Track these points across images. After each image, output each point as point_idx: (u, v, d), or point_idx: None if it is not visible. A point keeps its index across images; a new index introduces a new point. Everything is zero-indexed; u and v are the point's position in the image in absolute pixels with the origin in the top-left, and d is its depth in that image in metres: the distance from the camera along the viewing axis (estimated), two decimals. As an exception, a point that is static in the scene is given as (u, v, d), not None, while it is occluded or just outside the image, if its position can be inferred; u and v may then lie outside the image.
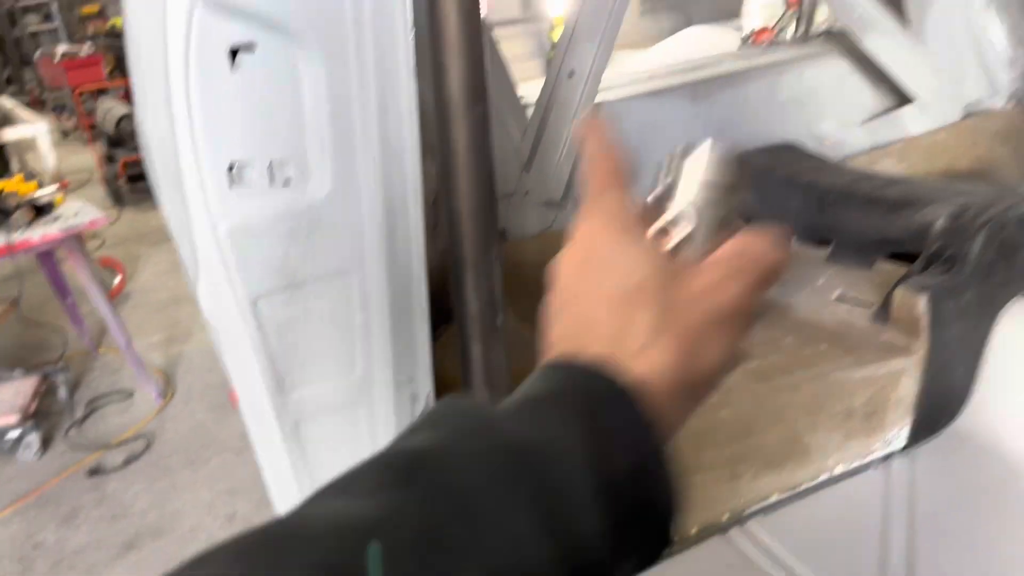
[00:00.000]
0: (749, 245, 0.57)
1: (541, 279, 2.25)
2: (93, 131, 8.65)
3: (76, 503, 3.57)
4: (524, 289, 2.29)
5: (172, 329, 5.14)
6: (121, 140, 7.65)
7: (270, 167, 1.05)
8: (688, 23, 5.89)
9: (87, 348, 4.96)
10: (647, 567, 0.46)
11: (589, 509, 0.42)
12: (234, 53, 1.01)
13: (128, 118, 7.43)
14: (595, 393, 0.47)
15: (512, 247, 2.38)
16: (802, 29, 3.56)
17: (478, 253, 1.18)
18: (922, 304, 1.70)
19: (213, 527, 3.30)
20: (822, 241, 2.16)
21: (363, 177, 1.08)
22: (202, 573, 0.37)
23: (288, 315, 1.12)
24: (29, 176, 4.15)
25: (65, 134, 11.17)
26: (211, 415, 4.13)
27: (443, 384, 1.57)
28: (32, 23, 14.77)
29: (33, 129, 5.47)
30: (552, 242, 2.39)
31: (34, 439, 3.90)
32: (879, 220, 2.02)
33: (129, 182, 7.67)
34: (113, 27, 11.64)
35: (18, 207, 3.68)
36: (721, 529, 1.60)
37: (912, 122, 3.03)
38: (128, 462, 3.81)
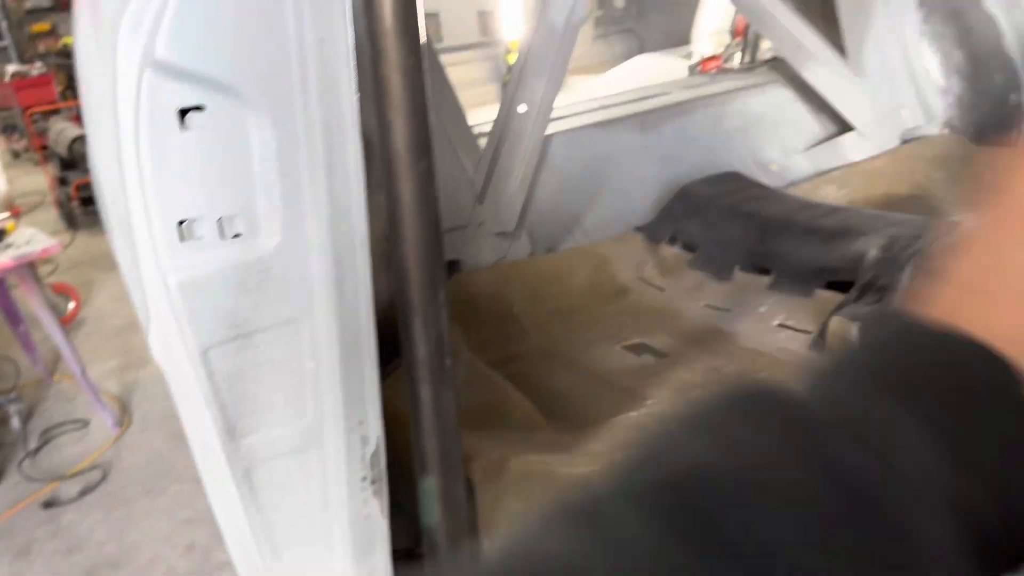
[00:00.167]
0: None
1: (496, 309, 2.32)
2: (45, 152, 8.51)
3: (30, 536, 3.51)
4: (479, 319, 2.35)
5: (128, 356, 5.07)
6: (74, 162, 7.53)
7: (220, 222, 1.08)
8: (641, 48, 6.03)
9: (40, 376, 4.87)
10: None
11: None
12: (184, 113, 1.04)
13: (81, 140, 7.33)
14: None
15: (467, 278, 2.42)
16: (747, 58, 3.68)
17: (425, 299, 1.22)
18: (855, 333, 1.78)
19: (172, 557, 3.26)
20: (764, 269, 2.25)
21: (311, 230, 1.12)
22: None
23: (239, 364, 1.14)
24: (-22, 203, 4.08)
25: (16, 155, 10.95)
26: (169, 443, 4.08)
27: (395, 421, 1.61)
28: (-20, 41, 14.48)
29: (-18, 153, 5.37)
30: (506, 272, 2.45)
31: (-15, 472, 3.82)
32: (817, 250, 2.11)
33: (82, 205, 7.54)
34: (65, 46, 11.47)
35: (-33, 237, 3.63)
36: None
37: (852, 149, 3.16)
38: (84, 493, 3.75)
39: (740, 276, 2.30)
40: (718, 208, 2.53)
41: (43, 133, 8.55)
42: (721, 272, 2.36)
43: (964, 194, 2.18)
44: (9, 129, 11.41)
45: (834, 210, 2.29)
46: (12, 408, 4.18)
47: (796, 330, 1.99)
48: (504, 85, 6.57)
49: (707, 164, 2.94)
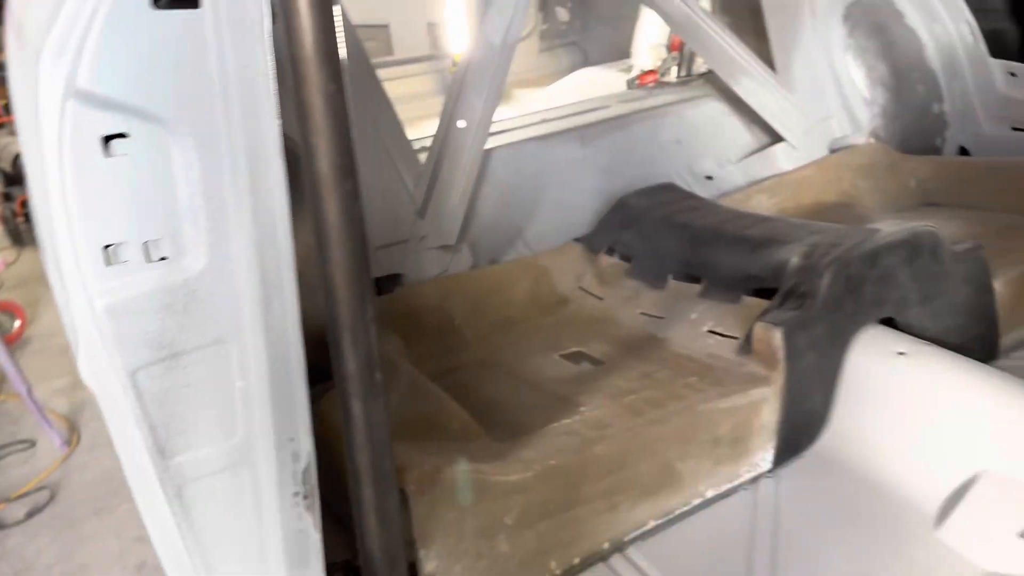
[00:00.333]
0: None
1: (438, 322, 2.37)
2: (-13, 168, 8.29)
3: (-29, 564, 3.42)
4: (421, 332, 2.38)
5: (76, 374, 4.96)
6: (19, 177, 7.36)
7: (145, 246, 1.11)
8: (585, 61, 6.13)
9: (-18, 398, 4.75)
10: None
11: None
12: (108, 139, 1.07)
13: (22, 157, 7.16)
14: None
15: (409, 291, 2.46)
16: (683, 72, 3.79)
17: (354, 315, 1.25)
18: (778, 337, 1.86)
19: (121, 578, 3.22)
20: (696, 278, 2.33)
21: (237, 252, 1.14)
22: None
23: (168, 385, 1.16)
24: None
25: (-46, 172, 10.63)
26: (118, 462, 4.01)
27: (332, 436, 1.63)
28: (-86, 56, 14.03)
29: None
30: (448, 285, 2.50)
31: (-76, 499, 3.71)
32: (744, 258, 2.20)
33: (28, 221, 7.38)
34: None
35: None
36: (603, 557, 1.71)
37: (783, 159, 3.27)
38: (31, 515, 3.66)
39: (674, 284, 2.38)
40: (653, 219, 2.61)
41: (-15, 149, 8.33)
42: (656, 281, 2.43)
43: (889, 200, 2.29)
44: (-54, 146, 11.08)
45: (761, 220, 2.38)
46: (-48, 432, 4.08)
47: (724, 336, 2.07)
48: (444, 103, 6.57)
49: (645, 176, 3.02)
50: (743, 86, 3.23)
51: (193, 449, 1.20)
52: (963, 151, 3.48)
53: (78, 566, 3.36)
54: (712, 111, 3.36)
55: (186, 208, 1.11)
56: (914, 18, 3.46)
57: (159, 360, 1.14)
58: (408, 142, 2.55)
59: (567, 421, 1.78)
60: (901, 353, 1.92)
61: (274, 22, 1.10)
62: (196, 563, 1.26)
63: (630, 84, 3.85)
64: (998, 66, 3.33)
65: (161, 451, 1.18)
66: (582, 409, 1.87)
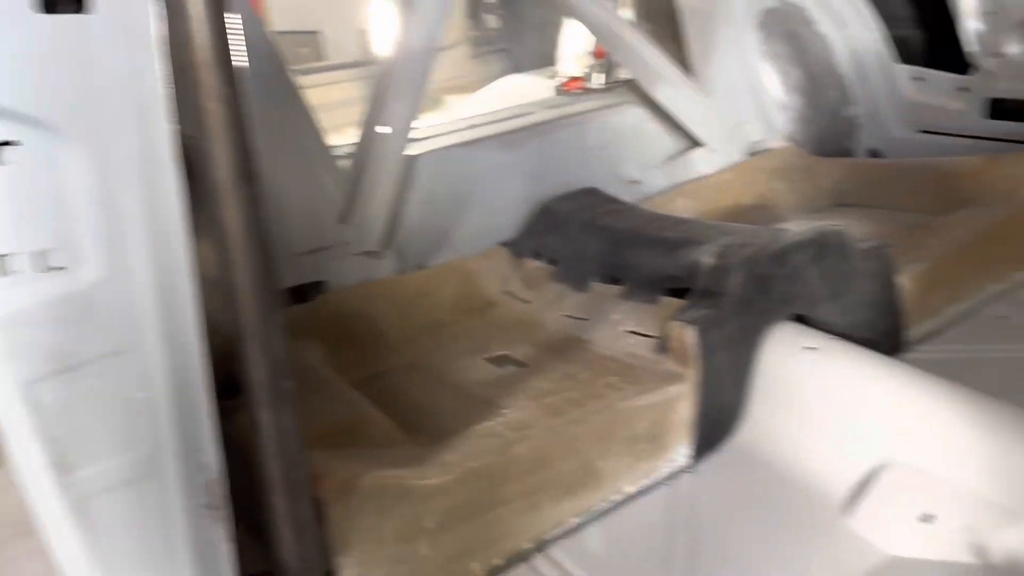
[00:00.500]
0: None
1: (362, 328, 2.36)
2: None
3: None
4: (346, 339, 2.37)
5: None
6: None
7: (38, 256, 1.08)
8: (516, 68, 6.17)
9: None
10: None
11: None
12: (-4, 147, 1.04)
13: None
14: None
15: (333, 298, 2.44)
16: (608, 79, 3.85)
17: (260, 323, 1.24)
18: (691, 335, 1.91)
19: (40, 606, 3.10)
20: (617, 280, 2.37)
21: (135, 261, 1.12)
22: None
23: (66, 397, 1.13)
24: None
25: None
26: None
27: (242, 446, 1.61)
28: None
29: None
30: (373, 291, 2.49)
31: None
32: (662, 259, 2.25)
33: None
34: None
35: None
36: (525, 557, 1.72)
37: (702, 163, 3.36)
38: (-57, 544, 3.50)
39: (596, 287, 2.42)
40: (577, 223, 2.65)
41: None
42: (580, 284, 2.47)
43: (804, 202, 2.38)
44: None
45: (678, 222, 2.45)
46: None
47: (644, 335, 2.11)
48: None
49: (570, 181, 3.06)
50: (663, 93, 3.30)
51: (96, 463, 1.18)
52: (874, 153, 3.63)
53: (0, 590, 3.23)
54: (635, 117, 3.42)
55: (80, 217, 1.09)
56: (825, 25, 3.60)
57: (56, 372, 1.11)
58: (328, 148, 2.54)
59: (489, 423, 1.80)
60: (811, 348, 1.99)
61: (166, 27, 1.08)
62: (102, 579, 1.23)
63: (557, 90, 3.90)
64: (904, 71, 3.48)
65: (62, 465, 1.15)
66: (504, 411, 1.88)
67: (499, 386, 2.06)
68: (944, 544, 1.57)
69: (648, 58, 3.24)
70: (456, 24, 6.32)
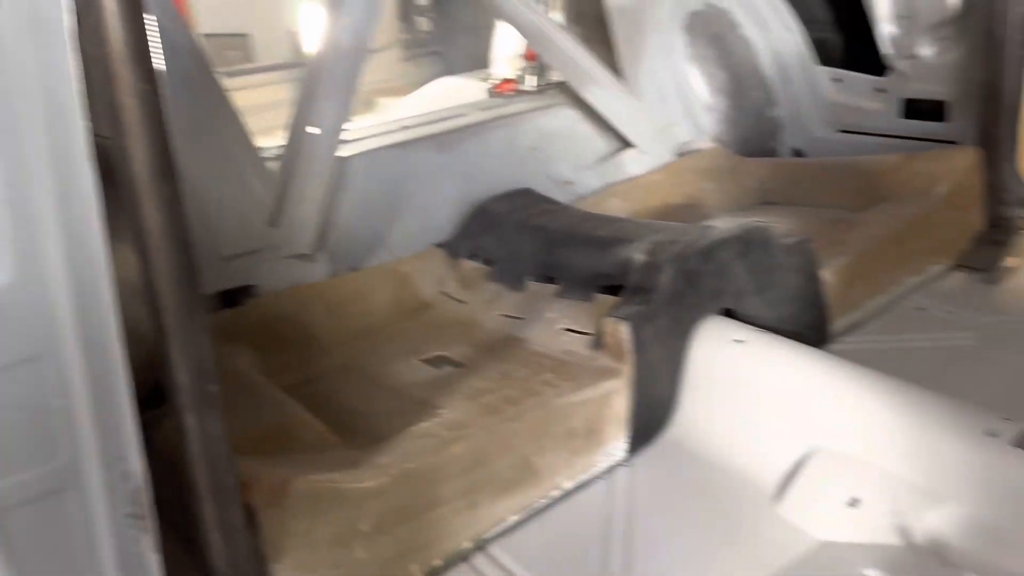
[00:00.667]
0: None
1: (294, 332, 2.31)
2: None
3: None
4: (277, 343, 2.32)
5: None
6: None
7: (-57, 259, 1.03)
8: (448, 70, 6.16)
9: None
10: None
11: None
12: None
13: None
14: None
15: (263, 302, 2.39)
16: (540, 81, 3.88)
17: (182, 325, 1.20)
18: (624, 331, 1.93)
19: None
20: (552, 278, 2.39)
21: (49, 263, 1.07)
22: None
23: (-25, 407, 1.08)
24: None
25: None
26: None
27: (171, 455, 1.56)
28: None
29: None
30: (305, 294, 2.44)
31: None
32: (595, 258, 2.27)
33: None
34: None
35: None
36: (464, 557, 1.72)
37: (633, 164, 3.41)
38: None
39: (532, 286, 2.43)
40: (511, 223, 2.65)
41: None
42: (516, 283, 2.47)
43: (731, 201, 2.44)
44: None
45: (610, 221, 2.48)
46: None
47: (579, 332, 2.13)
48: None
49: (504, 182, 3.07)
50: (593, 94, 3.34)
51: (10, 475, 1.12)
52: (797, 153, 3.75)
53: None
54: (567, 118, 3.46)
55: (-12, 217, 1.04)
56: (749, 28, 3.70)
57: (-36, 381, 1.06)
58: (256, 150, 2.49)
59: (425, 424, 1.78)
60: (739, 341, 2.04)
61: (79, 20, 1.05)
62: (20, 598, 1.17)
63: (490, 92, 3.91)
64: (824, 73, 3.60)
65: (-29, 479, 1.09)
66: (440, 411, 1.87)
67: (435, 387, 2.05)
68: (871, 527, 1.63)
69: (579, 61, 3.27)
70: (387, 27, 6.28)
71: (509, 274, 2.51)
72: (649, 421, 2.02)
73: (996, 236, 2.87)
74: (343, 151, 2.74)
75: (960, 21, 3.02)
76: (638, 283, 2.06)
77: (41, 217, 1.06)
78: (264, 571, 1.44)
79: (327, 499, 1.50)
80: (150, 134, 1.10)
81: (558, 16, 3.70)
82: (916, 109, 3.27)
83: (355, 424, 1.89)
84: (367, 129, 3.20)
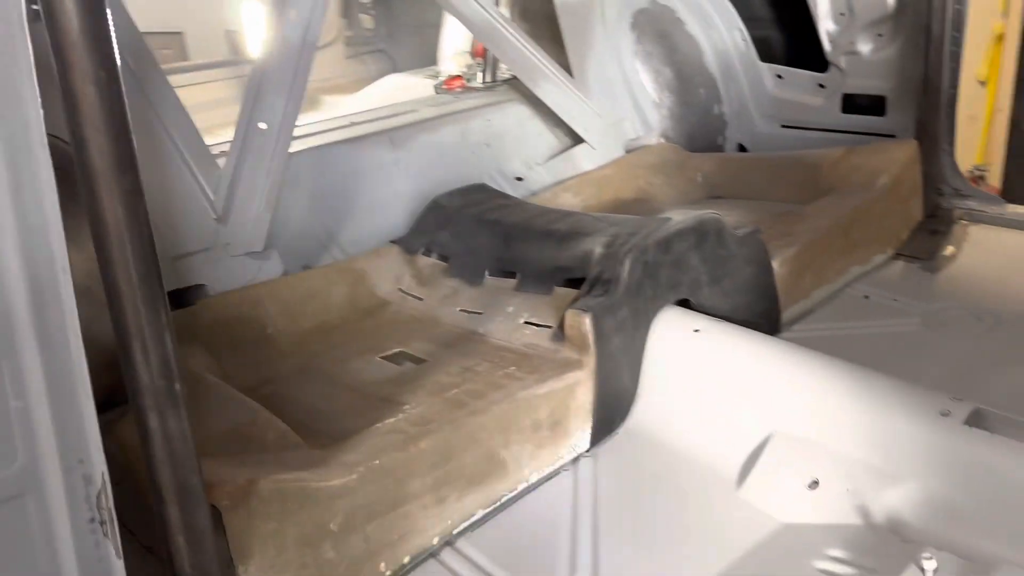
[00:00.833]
0: None
1: (249, 332, 2.25)
2: None
3: None
4: (231, 344, 2.26)
5: None
6: None
7: None
8: (394, 68, 6.11)
9: None
10: None
11: None
12: None
13: None
14: None
15: (214, 302, 2.32)
16: (488, 77, 3.88)
17: (144, 322, 1.16)
18: (587, 322, 1.94)
19: None
20: (511, 272, 2.38)
21: (3, 258, 1.03)
22: None
23: (-75, 411, 1.02)
24: None
25: None
26: None
27: (127, 460, 1.51)
28: None
29: None
30: (259, 293, 2.39)
31: None
32: (553, 251, 2.28)
33: None
34: None
35: None
36: (433, 553, 1.70)
37: (584, 159, 3.43)
38: None
39: (490, 280, 2.42)
40: (467, 218, 2.64)
41: None
42: (473, 278, 2.46)
43: (680, 195, 2.48)
44: None
45: (566, 215, 2.49)
46: None
47: (539, 325, 2.13)
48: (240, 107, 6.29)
49: (456, 178, 3.06)
50: (543, 90, 3.35)
51: (-35, 481, 1.07)
52: (741, 148, 3.83)
53: None
54: (517, 115, 3.46)
55: (-64, 210, 0.98)
56: (693, 26, 3.77)
57: (-89, 384, 1.00)
58: (205, 146, 2.42)
59: (390, 421, 1.76)
60: (696, 330, 2.07)
61: (34, 4, 1.00)
62: (-24, 610, 1.12)
63: (437, 89, 3.89)
64: (767, 69, 3.69)
65: (-80, 487, 1.03)
66: (405, 407, 1.85)
67: (398, 383, 2.02)
68: (831, 508, 1.67)
69: (529, 56, 3.28)
70: (331, 24, 6.19)
71: (466, 269, 2.50)
72: (611, 412, 2.03)
73: (934, 226, 2.99)
74: (293, 147, 2.69)
75: (897, 18, 3.13)
76: (598, 275, 2.07)
77: (-6, 209, 1.01)
78: (231, 574, 1.40)
79: (295, 499, 1.46)
80: (109, 123, 1.05)
81: (504, 13, 3.71)
82: (855, 104, 3.38)
83: (317, 424, 1.86)
84: (317, 125, 3.15)
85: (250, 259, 2.46)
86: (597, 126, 3.48)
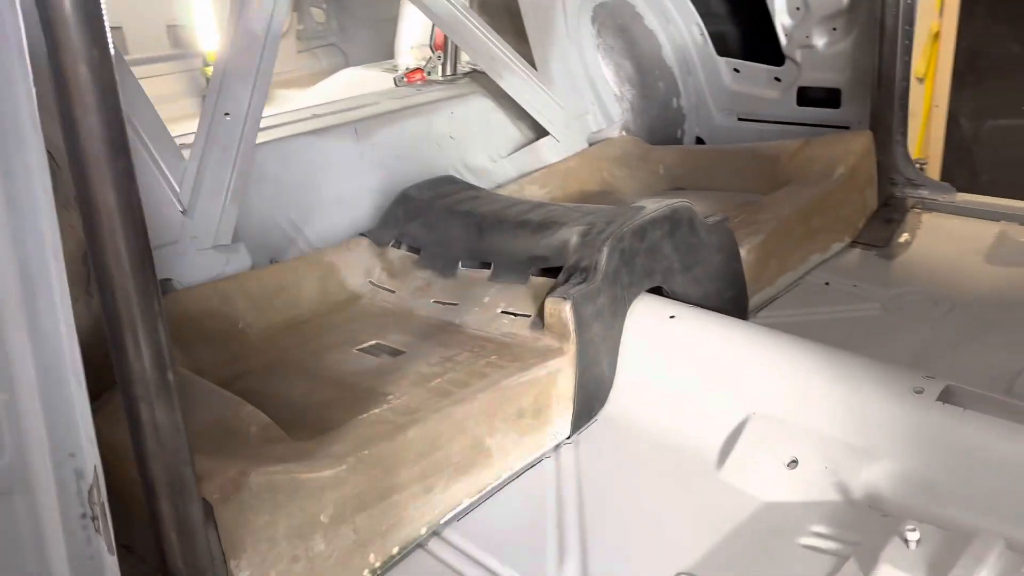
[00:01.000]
0: None
1: (218, 327, 2.20)
2: None
3: None
4: (201, 339, 2.20)
5: None
6: None
7: None
8: (346, 62, 6.04)
9: None
10: None
11: None
12: None
13: None
14: None
15: (182, 296, 2.27)
16: (449, 70, 3.86)
17: (138, 309, 1.13)
18: (567, 310, 1.95)
19: None
20: (484, 263, 2.38)
21: (-10, 243, 0.98)
22: None
23: (-92, 404, 0.97)
24: None
25: None
26: None
27: (112, 453, 1.46)
28: None
29: None
30: (227, 287, 2.34)
31: None
32: (527, 241, 2.28)
33: None
34: None
35: None
36: (421, 544, 1.69)
37: (548, 152, 3.45)
38: None
39: (463, 271, 2.41)
40: (438, 210, 2.62)
41: None
42: (446, 269, 2.45)
43: (643, 187, 2.51)
44: None
45: (538, 205, 2.49)
46: None
47: (517, 315, 2.13)
48: (205, 99, 6.15)
49: (421, 170, 3.04)
50: (508, 83, 3.35)
51: (-53, 480, 1.02)
52: (699, 141, 3.90)
53: None
54: (481, 107, 3.46)
55: (-80, 194, 0.94)
56: (652, 20, 3.81)
57: None
58: (170, 136, 2.36)
59: (375, 411, 1.74)
60: (672, 317, 2.10)
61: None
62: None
63: (397, 82, 3.85)
64: (724, 64, 3.76)
65: (-96, 486, 0.98)
66: (389, 398, 1.83)
67: (378, 375, 2.00)
68: (811, 486, 1.71)
69: (495, 49, 3.28)
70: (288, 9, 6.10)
71: (439, 260, 2.49)
72: (591, 399, 2.05)
73: (889, 215, 3.09)
74: (258, 138, 2.64)
75: (851, 12, 3.22)
76: (576, 263, 2.08)
77: (-19, 193, 0.97)
78: (223, 569, 1.37)
79: (286, 491, 1.44)
80: (103, 104, 1.02)
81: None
82: (811, 97, 3.47)
83: (299, 417, 1.82)
84: (279, 117, 3.09)
85: (217, 252, 2.41)
86: (561, 119, 3.50)
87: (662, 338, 2.10)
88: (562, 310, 1.96)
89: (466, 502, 1.78)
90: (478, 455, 1.79)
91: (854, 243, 2.99)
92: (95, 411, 1.31)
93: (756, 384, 1.92)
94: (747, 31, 3.73)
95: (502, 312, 2.17)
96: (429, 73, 3.91)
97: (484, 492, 1.82)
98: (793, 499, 1.72)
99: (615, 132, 3.64)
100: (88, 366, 1.16)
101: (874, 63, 3.03)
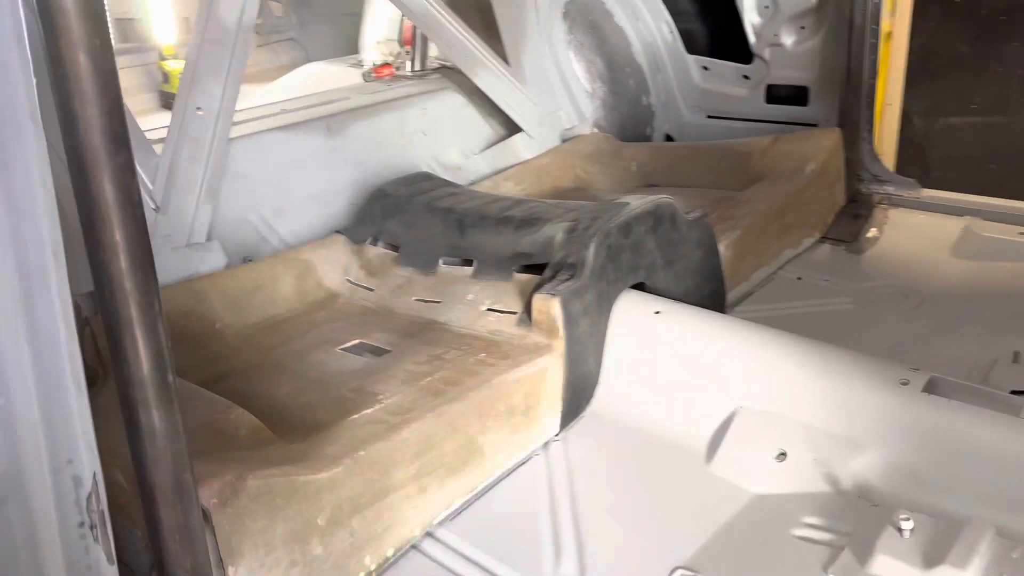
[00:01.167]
0: None
1: (195, 328, 2.14)
2: None
3: None
4: (178, 341, 2.12)
5: None
6: None
7: None
8: (307, 57, 5.95)
9: None
10: None
11: None
12: None
13: None
14: None
15: (156, 297, 2.19)
16: (418, 66, 3.83)
17: (139, 309, 1.09)
18: (556, 307, 1.95)
19: None
20: (466, 260, 2.36)
21: (-13, 240, 0.94)
22: None
23: (-101, 412, 0.92)
24: None
25: None
26: None
27: (105, 460, 1.41)
28: None
29: None
30: (203, 287, 2.27)
31: None
32: (511, 237, 2.27)
33: None
34: None
35: None
36: (415, 544, 1.67)
37: (522, 148, 3.44)
38: None
39: (444, 268, 2.39)
40: (416, 206, 2.59)
41: None
42: (427, 267, 2.42)
43: (615, 184, 2.50)
44: None
45: (519, 202, 2.48)
46: None
47: (503, 312, 2.12)
48: (161, 93, 6.07)
49: (395, 166, 3.01)
50: (481, 78, 3.34)
51: (-61, 490, 0.97)
52: (668, 138, 3.93)
53: None
54: (453, 103, 3.43)
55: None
56: (622, 17, 3.83)
57: None
58: (140, 131, 2.29)
59: (368, 411, 1.71)
60: (657, 312, 2.11)
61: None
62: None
63: (366, 77, 3.80)
64: (693, 61, 3.80)
65: None
66: (380, 397, 1.80)
67: (365, 374, 1.97)
68: (800, 477, 1.74)
69: (469, 45, 3.26)
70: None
71: (418, 258, 2.46)
72: (579, 395, 2.05)
73: (856, 210, 3.15)
74: (230, 134, 2.58)
75: (819, 10, 3.28)
76: (562, 259, 2.08)
77: (-22, 187, 0.92)
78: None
79: (283, 494, 1.40)
80: (104, 96, 0.97)
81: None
82: (779, 94, 3.52)
83: (287, 418, 1.78)
84: (247, 112, 3.02)
85: (192, 251, 2.34)
86: (534, 115, 3.50)
87: (647, 334, 2.11)
88: (551, 307, 1.95)
89: (459, 501, 1.77)
90: (471, 454, 1.78)
91: (823, 239, 3.04)
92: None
93: (743, 378, 1.94)
94: (716, 29, 3.76)
95: (488, 309, 2.16)
96: (398, 68, 3.87)
97: (476, 491, 1.80)
98: (784, 491, 1.74)
99: (587, 129, 3.65)
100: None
101: (843, 61, 3.09)
